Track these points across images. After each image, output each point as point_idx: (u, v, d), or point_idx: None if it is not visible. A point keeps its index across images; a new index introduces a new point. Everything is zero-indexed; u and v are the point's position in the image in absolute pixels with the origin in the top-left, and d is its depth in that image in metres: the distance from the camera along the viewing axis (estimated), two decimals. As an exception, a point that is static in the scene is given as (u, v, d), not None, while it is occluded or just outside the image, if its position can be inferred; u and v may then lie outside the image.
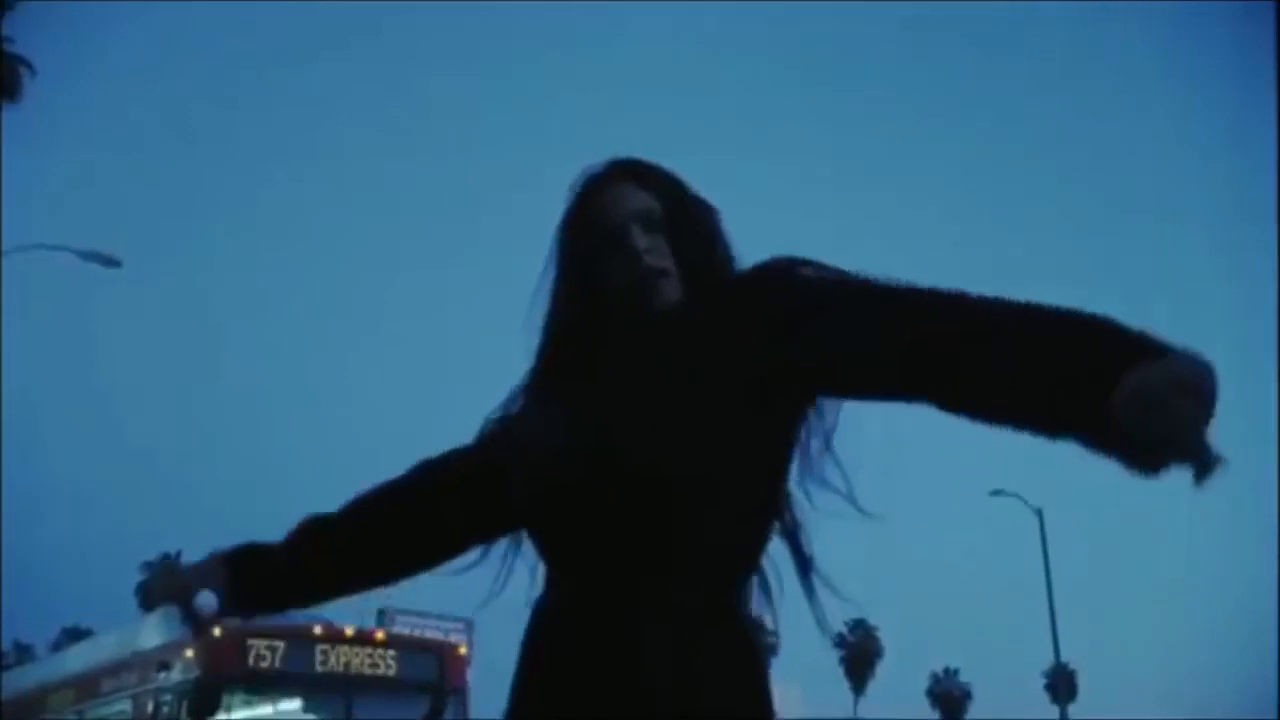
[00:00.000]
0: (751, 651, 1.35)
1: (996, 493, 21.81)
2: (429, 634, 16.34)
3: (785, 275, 1.38)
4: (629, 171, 1.48)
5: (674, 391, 1.33)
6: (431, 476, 1.58)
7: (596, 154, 1.50)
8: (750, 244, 1.48)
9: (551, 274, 1.50)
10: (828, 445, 1.41)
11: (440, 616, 19.70)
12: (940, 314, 1.25)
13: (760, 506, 1.39)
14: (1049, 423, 1.16)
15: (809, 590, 1.43)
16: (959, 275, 1.27)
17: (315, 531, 1.60)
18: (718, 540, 1.33)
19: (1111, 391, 1.06)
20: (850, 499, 1.41)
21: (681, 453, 1.30)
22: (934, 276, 1.30)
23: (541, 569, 1.44)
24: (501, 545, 1.56)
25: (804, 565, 1.44)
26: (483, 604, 1.53)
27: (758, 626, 1.40)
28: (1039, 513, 21.22)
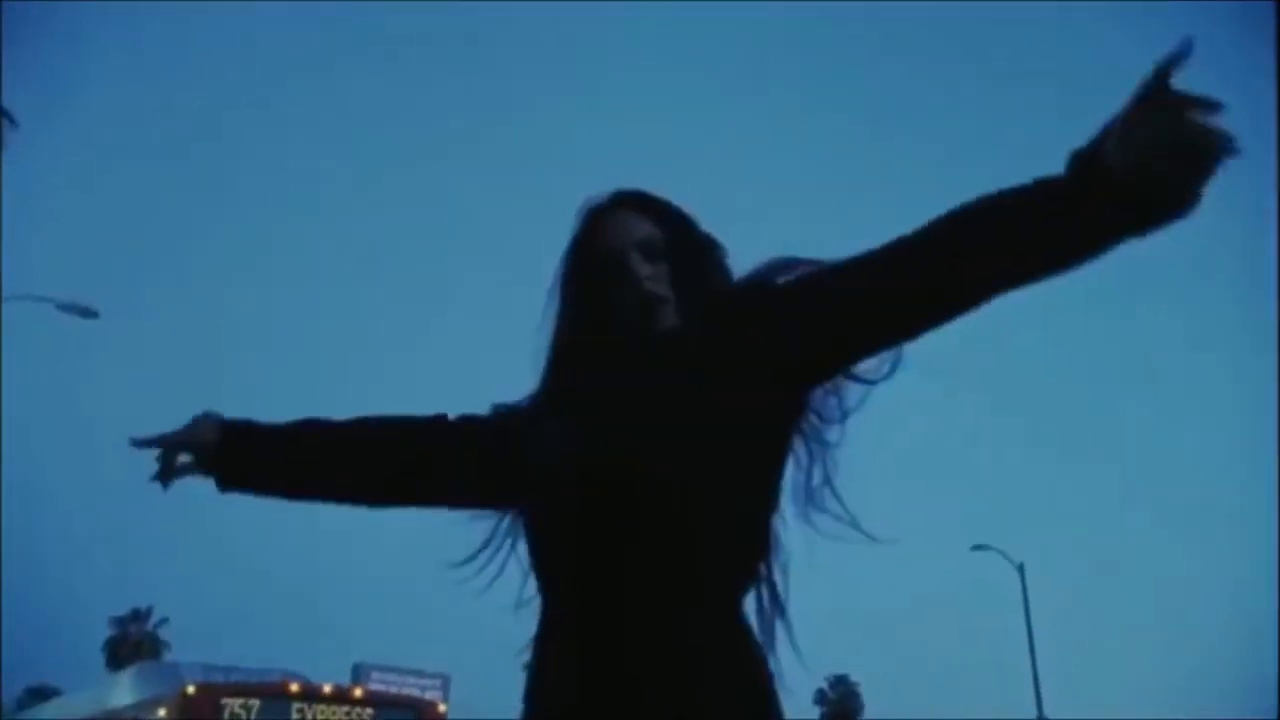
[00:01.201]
0: (757, 665, 1.35)
1: (978, 548, 21.76)
2: (406, 690, 16.07)
3: (770, 281, 1.44)
4: (632, 202, 1.52)
5: (674, 406, 1.35)
6: (444, 425, 1.61)
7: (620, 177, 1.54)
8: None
9: (556, 300, 1.53)
10: (828, 477, 1.44)
11: (417, 673, 19.41)
12: (925, 242, 1.31)
13: (760, 516, 1.40)
14: (1080, 233, 1.24)
15: (770, 639, 1.41)
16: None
17: (316, 428, 1.63)
18: (718, 550, 1.34)
19: (1102, 164, 1.17)
20: (855, 525, 1.43)
21: (683, 463, 1.32)
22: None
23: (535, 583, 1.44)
24: (500, 541, 1.55)
25: (774, 611, 1.43)
26: (471, 578, 1.55)
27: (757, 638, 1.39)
28: (1020, 568, 21.18)
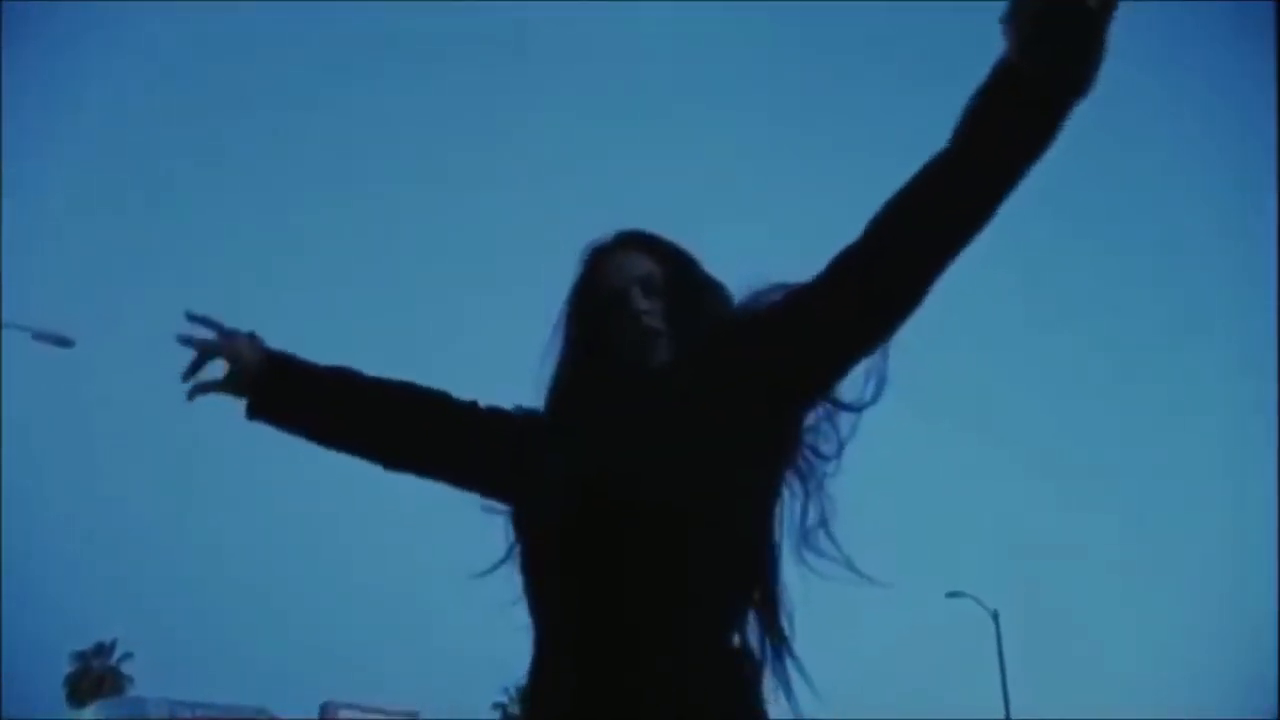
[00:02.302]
0: (752, 675, 1.38)
1: (953, 594, 21.66)
2: (374, 729, 15.83)
3: (756, 307, 1.48)
4: (634, 241, 1.57)
5: (666, 430, 1.39)
6: (474, 408, 1.64)
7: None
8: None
9: (559, 336, 1.58)
10: (824, 516, 1.47)
11: (385, 710, 19.15)
12: (863, 245, 1.37)
13: (755, 535, 1.42)
14: (993, 160, 1.29)
15: (783, 678, 1.43)
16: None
17: (354, 378, 1.65)
18: (714, 562, 1.36)
19: (1012, 75, 1.24)
20: (850, 565, 1.45)
21: (676, 478, 1.34)
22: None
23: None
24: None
25: (779, 647, 1.44)
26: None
27: (755, 665, 1.41)
28: (995, 615, 21.12)
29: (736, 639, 1.41)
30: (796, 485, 1.48)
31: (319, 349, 1.69)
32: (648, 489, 1.34)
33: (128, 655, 37.06)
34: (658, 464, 1.36)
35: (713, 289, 1.55)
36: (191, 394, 1.63)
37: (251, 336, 1.64)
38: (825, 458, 1.48)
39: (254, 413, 1.64)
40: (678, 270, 1.54)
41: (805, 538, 1.46)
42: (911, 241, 1.34)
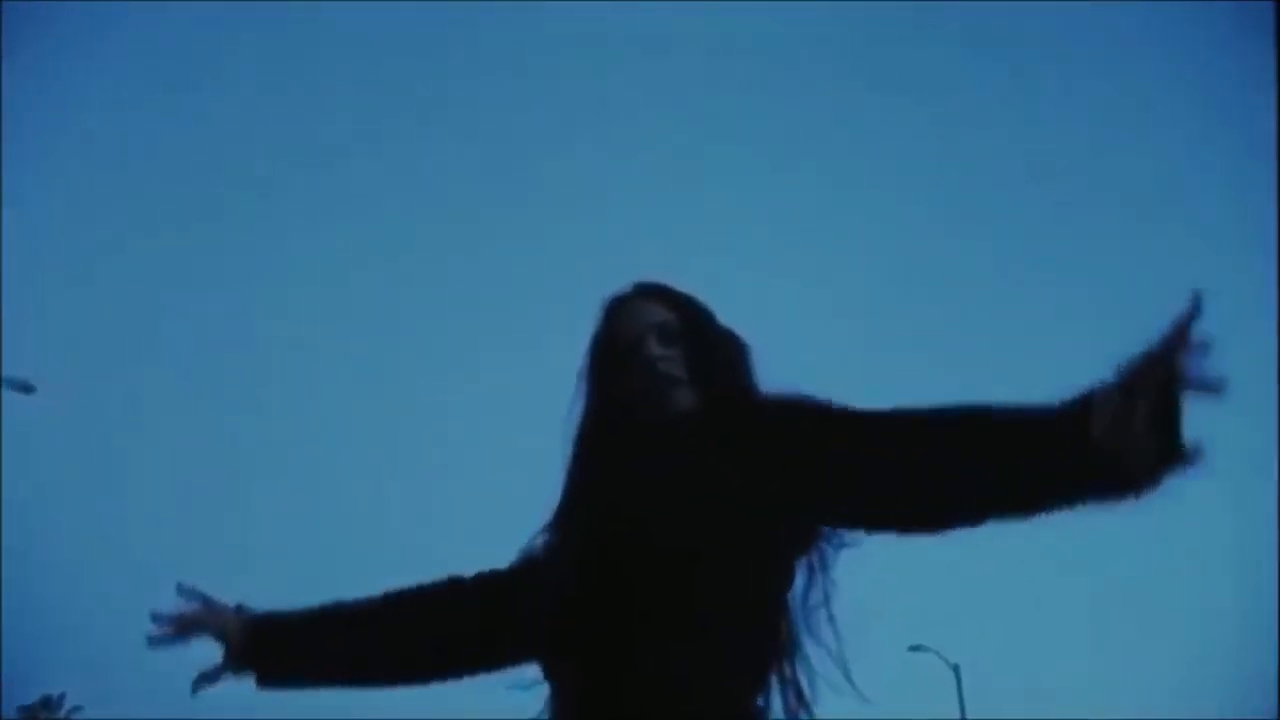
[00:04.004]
0: None
1: (915, 648, 21.60)
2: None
3: (799, 408, 1.46)
4: (649, 291, 1.59)
5: (684, 482, 1.40)
6: (458, 585, 1.62)
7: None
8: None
9: (582, 390, 1.59)
10: (827, 602, 1.46)
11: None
12: (897, 442, 1.35)
13: (768, 598, 1.42)
14: (1055, 493, 1.25)
15: None
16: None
17: (342, 611, 1.63)
18: (724, 620, 1.35)
19: (1086, 432, 1.18)
20: (841, 664, 1.44)
21: (687, 533, 1.35)
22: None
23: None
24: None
25: (797, 709, 1.43)
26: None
27: None
28: (956, 668, 21.05)
29: (760, 699, 1.40)
30: (803, 564, 1.47)
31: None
32: (658, 536, 1.35)
33: (77, 709, 36.09)
34: (670, 512, 1.37)
35: (728, 339, 1.57)
36: (196, 688, 1.62)
37: (239, 609, 1.63)
38: (834, 546, 1.47)
39: (263, 684, 1.62)
40: (693, 319, 1.56)
41: (806, 619, 1.46)
42: (950, 498, 1.33)
